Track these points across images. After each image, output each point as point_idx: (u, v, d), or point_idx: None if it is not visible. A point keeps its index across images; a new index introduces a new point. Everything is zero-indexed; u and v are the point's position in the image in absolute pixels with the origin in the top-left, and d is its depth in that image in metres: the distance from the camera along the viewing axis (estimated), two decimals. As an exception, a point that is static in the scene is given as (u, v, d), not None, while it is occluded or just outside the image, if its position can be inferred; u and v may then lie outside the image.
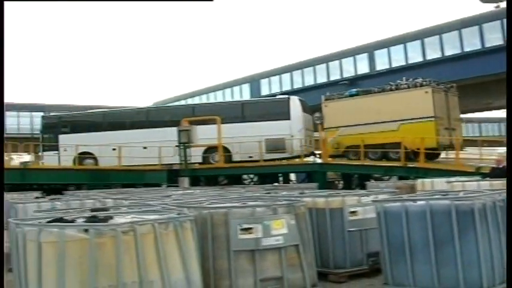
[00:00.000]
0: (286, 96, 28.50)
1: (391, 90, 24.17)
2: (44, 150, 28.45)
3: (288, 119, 25.92)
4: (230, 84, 51.11)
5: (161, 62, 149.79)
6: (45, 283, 4.83)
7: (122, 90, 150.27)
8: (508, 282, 5.78)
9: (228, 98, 48.59)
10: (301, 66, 44.35)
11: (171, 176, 25.58)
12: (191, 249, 5.40)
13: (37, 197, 16.24)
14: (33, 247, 4.87)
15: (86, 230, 4.77)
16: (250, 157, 25.91)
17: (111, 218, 5.27)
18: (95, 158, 27.43)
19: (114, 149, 25.89)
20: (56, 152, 27.66)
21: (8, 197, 19.81)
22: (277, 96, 31.05)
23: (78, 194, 15.28)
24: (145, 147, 25.83)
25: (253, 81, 48.67)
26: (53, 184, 26.95)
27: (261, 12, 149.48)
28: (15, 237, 5.16)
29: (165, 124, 27.34)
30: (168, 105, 34.13)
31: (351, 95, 25.55)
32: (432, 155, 22.24)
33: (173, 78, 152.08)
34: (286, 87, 44.15)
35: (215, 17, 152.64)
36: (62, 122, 29.48)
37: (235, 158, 26.36)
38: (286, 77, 45.35)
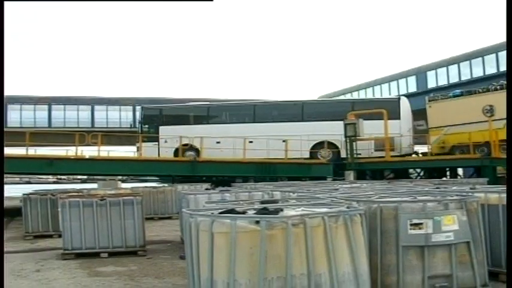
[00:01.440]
0: (397, 96, 30.32)
1: (495, 90, 24.66)
2: (143, 141, 29.34)
3: (398, 118, 27.30)
4: (396, 77, 50.53)
5: (323, 54, 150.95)
6: (216, 272, 5.16)
7: (294, 84, 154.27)
8: (508, 282, 5.43)
9: (394, 91, 48.23)
10: (469, 57, 42.86)
11: (336, 169, 26.25)
12: (360, 243, 5.49)
13: (207, 189, 17.34)
14: (205, 237, 5.22)
15: (257, 222, 5.02)
16: (359, 154, 26.74)
17: (281, 210, 5.51)
18: (196, 150, 28.41)
19: (218, 142, 27.19)
20: (156, 143, 29.04)
21: (179, 188, 21.43)
22: (387, 97, 33.08)
23: (246, 186, 16.02)
24: (284, 140, 26.65)
25: (420, 73, 47.77)
26: (221, 176, 28.53)
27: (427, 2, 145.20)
28: (189, 227, 5.59)
29: (272, 119, 29.28)
30: (278, 101, 34.43)
31: (455, 96, 26.58)
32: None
33: (339, 71, 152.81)
34: (454, 79, 42.94)
35: (381, 8, 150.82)
36: (163, 114, 31.03)
37: (343, 154, 27.43)
38: (453, 68, 44.06)
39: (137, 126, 32.58)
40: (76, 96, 57.21)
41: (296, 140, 26.90)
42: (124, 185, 44.72)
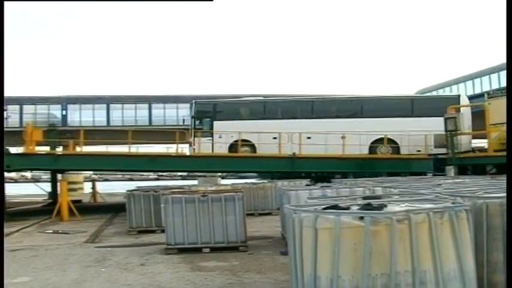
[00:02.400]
0: (457, 94, 30.84)
1: None
2: (195, 137, 29.02)
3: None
4: (498, 69, 48.69)
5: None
6: (320, 267, 5.19)
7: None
8: (508, 282, 5.22)
9: (495, 85, 46.53)
10: None
11: (436, 164, 25.84)
12: (466, 240, 5.39)
13: (307, 185, 17.42)
14: (309, 232, 5.26)
15: (361, 218, 5.02)
16: (418, 151, 26.84)
17: (385, 206, 5.52)
18: (252, 146, 28.41)
19: (274, 138, 26.90)
20: (209, 138, 28.76)
21: (279, 184, 21.64)
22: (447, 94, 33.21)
23: (346, 182, 15.99)
24: (343, 136, 26.55)
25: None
26: (320, 172, 28.56)
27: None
28: (292, 223, 5.65)
29: (330, 115, 29.01)
30: (336, 97, 33.59)
31: None
32: None
33: (441, 64, 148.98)
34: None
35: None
36: (216, 109, 30.53)
37: (403, 151, 27.27)
38: None
39: (189, 122, 32.06)
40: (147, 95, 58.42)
41: (355, 136, 26.84)
42: (224, 182, 45.66)
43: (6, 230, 19.66)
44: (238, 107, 31.22)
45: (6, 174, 28.07)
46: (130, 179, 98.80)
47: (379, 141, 27.85)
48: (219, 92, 51.00)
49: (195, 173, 45.09)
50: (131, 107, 55.72)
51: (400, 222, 5.02)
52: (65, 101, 54.21)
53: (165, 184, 30.83)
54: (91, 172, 60.29)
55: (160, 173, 78.67)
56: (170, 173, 70.74)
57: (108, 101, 53.35)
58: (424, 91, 57.16)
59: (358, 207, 5.56)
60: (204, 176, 45.85)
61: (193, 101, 30.51)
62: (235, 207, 12.58)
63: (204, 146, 28.35)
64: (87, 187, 48.91)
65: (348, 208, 5.57)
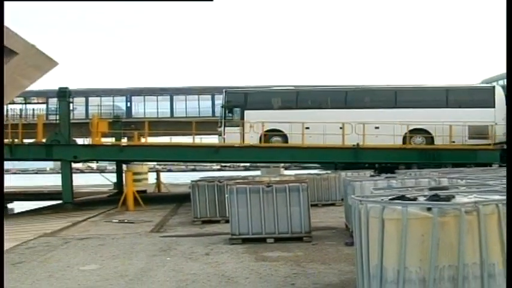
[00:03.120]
0: (492, 84, 30.36)
1: None
2: (225, 126, 28.62)
3: (493, 107, 26.96)
4: None
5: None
6: (387, 258, 5.21)
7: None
8: (508, 282, 4.95)
9: None
10: None
11: (503, 155, 25.35)
12: (536, 232, 5.34)
13: (371, 175, 17.33)
14: (376, 223, 5.28)
15: (429, 209, 5.01)
16: (453, 142, 26.43)
17: (452, 197, 5.47)
18: (284, 136, 27.95)
19: (307, 128, 26.56)
20: (239, 128, 28.24)
21: (343, 174, 21.58)
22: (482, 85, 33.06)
23: (410, 173, 15.81)
24: (377, 127, 26.37)
25: None
26: (383, 163, 28.32)
27: None
28: (358, 213, 5.68)
29: (364, 105, 28.73)
30: (370, 86, 32.78)
31: None
32: None
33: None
34: None
35: None
36: (247, 98, 29.85)
37: (437, 141, 27.02)
38: None
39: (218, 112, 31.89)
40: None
41: (389, 126, 26.60)
42: (286, 172, 45.77)
43: (74, 219, 20.39)
44: (270, 96, 30.70)
45: (73, 165, 28.84)
46: (194, 170, 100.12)
47: (414, 131, 27.62)
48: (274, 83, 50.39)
49: (258, 164, 45.25)
50: (194, 98, 56.16)
51: (469, 213, 4.99)
52: (129, 93, 55.18)
53: (228, 175, 31.14)
54: (155, 163, 61.46)
55: (223, 164, 79.32)
56: (233, 163, 71.29)
57: (171, 92, 53.97)
58: (490, 80, 55.54)
59: (425, 198, 5.54)
60: (268, 167, 46.06)
61: (224, 90, 30.17)
62: (300, 198, 12.62)
63: (234, 137, 28.23)
64: (152, 178, 49.90)
65: (414, 199, 5.55)
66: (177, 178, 59.23)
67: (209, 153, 27.42)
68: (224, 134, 28.48)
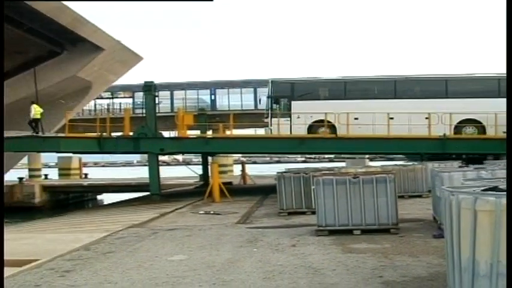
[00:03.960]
0: None
1: None
2: (272, 117, 28.35)
3: None
4: None
5: None
6: (479, 251, 5.10)
7: None
8: (508, 282, 4.76)
9: None
10: None
11: None
12: None
13: (460, 166, 16.93)
14: (467, 215, 5.17)
15: (523, 200, 4.88)
16: (504, 132, 24.16)
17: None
18: (333, 126, 27.40)
19: (356, 118, 26.15)
20: (287, 119, 27.87)
21: (430, 166, 21.18)
22: None
23: (499, 164, 15.35)
24: (427, 117, 25.84)
25: None
26: (471, 154, 27.61)
27: None
28: (449, 205, 5.54)
29: (414, 95, 28.34)
30: (420, 76, 31.34)
31: None
32: None
33: None
34: None
35: None
36: (295, 88, 29.26)
37: (489, 131, 26.02)
38: None
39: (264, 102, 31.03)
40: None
41: (438, 116, 26.08)
42: (372, 163, 45.29)
43: (162, 210, 20.91)
44: (318, 86, 30.10)
45: (159, 157, 29.56)
46: (278, 162, 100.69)
47: (465, 122, 27.01)
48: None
49: (343, 155, 44.94)
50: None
51: None
52: (213, 86, 55.98)
53: (313, 166, 31.12)
54: (240, 155, 62.12)
55: (307, 155, 79.23)
56: (318, 155, 71.14)
57: (255, 85, 54.36)
58: None
59: (519, 189, 5.37)
60: (353, 158, 45.64)
61: (270, 81, 29.69)
62: (387, 189, 12.50)
63: (281, 127, 27.97)
64: (237, 169, 50.47)
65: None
66: (262, 170, 59.67)
67: (294, 144, 27.48)
68: (271, 125, 28.42)
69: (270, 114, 28.48)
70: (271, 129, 28.39)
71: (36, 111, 30.04)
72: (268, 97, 29.38)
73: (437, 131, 25.96)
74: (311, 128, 27.92)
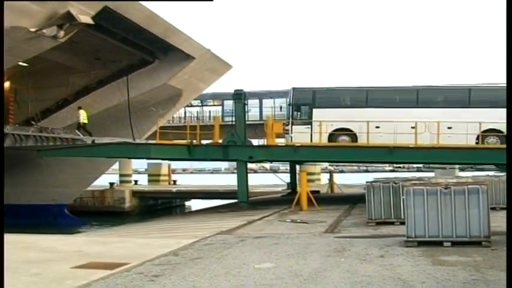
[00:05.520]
0: None
1: None
2: (293, 124, 28.49)
3: None
4: None
5: None
6: None
7: None
8: (508, 282, 5.12)
9: None
10: None
11: None
12: None
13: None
14: None
15: None
16: None
17: None
18: (354, 135, 27.94)
19: (377, 127, 26.23)
20: (308, 126, 28.02)
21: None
22: None
23: None
24: (449, 127, 26.05)
25: None
26: None
27: None
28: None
29: (436, 104, 28.45)
30: (442, 86, 30.23)
31: None
32: None
33: None
34: None
35: None
36: (316, 96, 29.30)
37: None
38: None
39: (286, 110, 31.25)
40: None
41: (461, 126, 26.30)
42: (462, 174, 44.17)
43: (249, 218, 21.21)
44: (340, 94, 30.41)
45: (248, 165, 29.96)
46: (366, 171, 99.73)
47: (488, 131, 27.16)
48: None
49: (432, 165, 44.18)
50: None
51: None
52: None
53: (401, 176, 30.81)
54: (327, 163, 61.96)
55: (396, 165, 78.20)
56: (406, 164, 70.08)
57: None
58: None
59: None
60: (443, 168, 44.69)
61: (292, 88, 29.97)
62: (479, 200, 12.26)
63: (301, 136, 28.35)
64: (324, 178, 50.41)
65: None
66: (349, 179, 59.30)
67: (383, 153, 27.26)
68: (291, 133, 28.86)
69: (291, 122, 29.03)
70: (291, 137, 28.98)
71: (84, 116, 31.45)
72: (289, 105, 29.99)
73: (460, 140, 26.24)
74: (331, 137, 28.47)
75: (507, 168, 9.44)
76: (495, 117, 26.14)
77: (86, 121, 31.80)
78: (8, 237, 16.22)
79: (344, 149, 28.17)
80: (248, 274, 10.00)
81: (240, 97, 28.22)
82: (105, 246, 14.14)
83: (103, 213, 40.84)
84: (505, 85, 29.50)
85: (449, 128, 26.29)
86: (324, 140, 28.07)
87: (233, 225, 18.66)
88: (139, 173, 75.28)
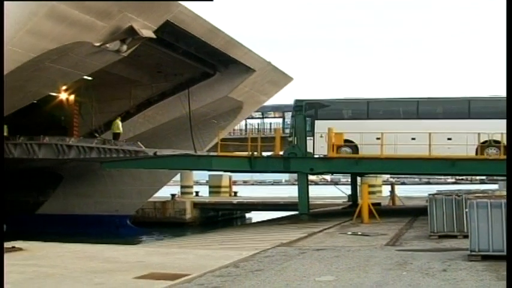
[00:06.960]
0: None
1: None
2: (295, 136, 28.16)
3: None
4: None
5: None
6: None
7: None
8: (508, 282, 5.24)
9: None
10: None
11: None
12: None
13: None
14: None
15: None
16: None
17: None
18: (355, 146, 28.01)
19: (378, 138, 26.06)
20: (310, 138, 27.82)
21: None
22: None
23: None
24: (449, 138, 26.11)
25: None
26: None
27: None
28: None
29: (436, 116, 28.66)
30: (442, 97, 30.34)
31: None
32: None
33: None
34: None
35: None
36: (318, 108, 29.28)
37: None
38: None
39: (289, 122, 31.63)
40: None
41: (461, 137, 26.07)
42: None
43: (310, 230, 21.19)
44: (341, 106, 30.65)
45: (308, 177, 29.89)
46: (428, 183, 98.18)
47: (486, 143, 26.98)
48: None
49: (496, 177, 43.27)
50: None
51: None
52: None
53: (464, 188, 30.36)
54: (389, 175, 61.31)
55: (458, 177, 76.82)
56: (469, 176, 68.84)
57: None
58: None
59: None
60: (508, 180, 43.67)
61: (295, 100, 29.84)
62: (545, 214, 11.95)
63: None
64: (385, 190, 49.88)
65: None
66: (411, 191, 58.50)
67: (445, 165, 26.90)
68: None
69: (294, 134, 28.83)
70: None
71: (119, 126, 32.11)
72: (292, 116, 30.06)
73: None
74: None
75: (507, 169, 9.21)
76: (494, 128, 25.96)
77: (119, 131, 32.56)
78: (72, 247, 16.78)
79: (407, 161, 27.85)
80: (308, 287, 9.98)
81: (300, 109, 28.30)
82: (166, 257, 14.37)
83: (164, 224, 41.35)
84: (502, 97, 29.27)
85: (449, 139, 26.44)
86: (325, 152, 28.13)
87: (293, 238, 18.66)
88: (201, 184, 76.07)
